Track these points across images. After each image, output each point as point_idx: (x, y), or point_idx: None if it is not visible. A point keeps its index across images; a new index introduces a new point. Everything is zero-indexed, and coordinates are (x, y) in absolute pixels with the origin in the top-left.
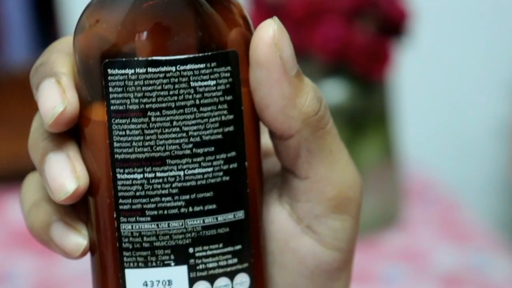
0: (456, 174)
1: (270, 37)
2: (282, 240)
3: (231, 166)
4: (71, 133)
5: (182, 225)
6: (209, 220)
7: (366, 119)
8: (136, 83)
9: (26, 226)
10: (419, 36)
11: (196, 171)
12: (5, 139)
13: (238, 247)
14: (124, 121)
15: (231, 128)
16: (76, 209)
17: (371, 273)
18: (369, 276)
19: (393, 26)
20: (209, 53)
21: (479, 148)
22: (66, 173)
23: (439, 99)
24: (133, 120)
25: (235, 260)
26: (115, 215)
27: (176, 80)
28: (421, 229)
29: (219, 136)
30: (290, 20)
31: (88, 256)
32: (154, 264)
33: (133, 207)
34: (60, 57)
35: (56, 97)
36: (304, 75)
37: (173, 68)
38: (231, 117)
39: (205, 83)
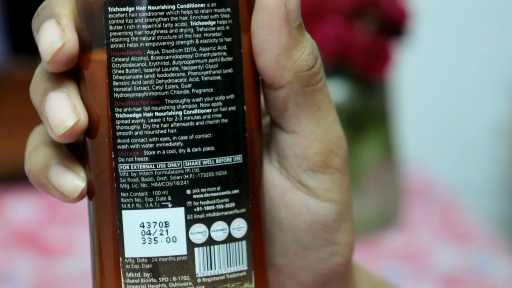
0: (456, 174)
1: None
2: (276, 197)
3: (229, 108)
4: (71, 75)
5: (180, 166)
6: (207, 162)
7: (366, 119)
8: (136, 21)
9: (25, 170)
10: (419, 36)
11: (195, 111)
12: (5, 139)
13: (236, 191)
14: (123, 59)
15: (230, 70)
16: (75, 154)
17: None
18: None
19: (393, 26)
20: None
21: (479, 148)
22: (66, 109)
23: (439, 99)
24: (132, 58)
25: (233, 204)
26: (113, 155)
27: (176, 19)
28: (421, 229)
29: (218, 78)
30: None
31: (88, 255)
32: (151, 205)
33: (131, 147)
34: (61, 1)
35: (55, 34)
36: (306, 31)
37: (173, 7)
38: (230, 59)
39: (205, 23)
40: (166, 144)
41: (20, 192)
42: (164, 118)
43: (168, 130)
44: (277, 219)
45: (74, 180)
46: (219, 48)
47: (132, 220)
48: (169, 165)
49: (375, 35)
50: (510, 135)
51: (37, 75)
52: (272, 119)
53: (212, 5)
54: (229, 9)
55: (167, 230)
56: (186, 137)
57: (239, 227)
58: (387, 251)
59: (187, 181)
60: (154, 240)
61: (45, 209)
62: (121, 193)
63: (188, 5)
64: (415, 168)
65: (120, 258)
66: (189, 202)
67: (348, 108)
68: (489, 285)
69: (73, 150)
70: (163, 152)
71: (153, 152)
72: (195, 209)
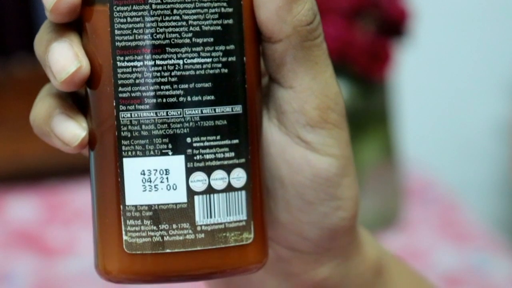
0: (456, 174)
1: None
2: (276, 154)
3: (229, 59)
4: (74, 27)
5: (180, 114)
6: (207, 110)
7: (366, 119)
8: None
9: (30, 120)
10: (419, 36)
11: (195, 60)
12: (5, 139)
13: (235, 141)
14: (125, 8)
15: (230, 21)
16: (78, 105)
17: None
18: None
19: (393, 26)
20: None
21: (479, 148)
22: (68, 56)
23: (439, 99)
24: (134, 7)
25: (232, 154)
26: (114, 103)
27: None
28: (421, 229)
29: (218, 28)
30: None
31: (88, 255)
32: (152, 153)
33: (133, 95)
34: None
35: None
36: None
37: None
38: (230, 10)
39: None
40: (167, 92)
41: (20, 192)
42: (165, 67)
43: (169, 78)
44: (279, 176)
45: (75, 129)
46: None
47: (133, 167)
48: (170, 113)
49: (375, 35)
50: (510, 135)
51: (42, 28)
52: (270, 74)
53: None
54: None
55: (167, 178)
56: (186, 86)
57: (239, 176)
58: None
59: (187, 129)
60: (155, 187)
61: (45, 209)
62: (122, 141)
63: None
64: (415, 168)
65: (121, 206)
66: (189, 150)
67: (348, 108)
68: (489, 285)
69: (78, 102)
70: (164, 100)
71: (154, 100)
72: (195, 157)
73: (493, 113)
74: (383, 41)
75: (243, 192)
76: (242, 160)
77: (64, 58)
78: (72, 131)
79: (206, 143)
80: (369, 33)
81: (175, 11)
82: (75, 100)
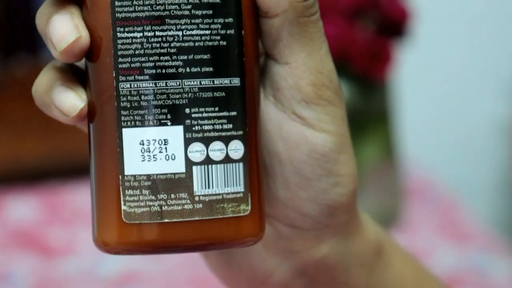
0: (456, 174)
1: None
2: (272, 131)
3: (228, 31)
4: (74, 1)
5: (179, 85)
6: (206, 82)
7: (366, 119)
8: None
9: (32, 91)
10: (420, 36)
11: (194, 32)
12: (5, 139)
13: (233, 113)
14: None
15: None
16: (79, 78)
17: None
18: None
19: (393, 26)
20: None
21: (479, 148)
22: (68, 27)
23: (439, 99)
24: None
25: (230, 125)
26: (114, 74)
27: None
28: (421, 229)
29: (217, 0)
30: None
31: (88, 255)
32: (151, 123)
33: (132, 65)
34: None
35: None
36: None
37: None
38: None
39: None
40: (166, 63)
41: (20, 192)
42: (164, 38)
43: (168, 49)
44: (276, 152)
45: (74, 99)
46: None
47: (132, 137)
48: (169, 83)
49: (375, 35)
50: (510, 135)
51: (43, 5)
52: (266, 51)
53: None
54: None
55: (166, 148)
56: (185, 57)
57: (236, 148)
58: None
59: (186, 100)
60: (154, 157)
61: (45, 209)
62: (122, 111)
63: None
64: (415, 168)
65: (120, 176)
66: (187, 121)
67: (348, 108)
68: (489, 285)
69: (79, 76)
70: (163, 71)
71: (153, 71)
72: (193, 128)
73: (493, 113)
74: (383, 41)
75: (241, 164)
76: (240, 132)
77: (64, 29)
78: (71, 101)
79: (205, 114)
80: (369, 33)
81: None
82: (77, 74)
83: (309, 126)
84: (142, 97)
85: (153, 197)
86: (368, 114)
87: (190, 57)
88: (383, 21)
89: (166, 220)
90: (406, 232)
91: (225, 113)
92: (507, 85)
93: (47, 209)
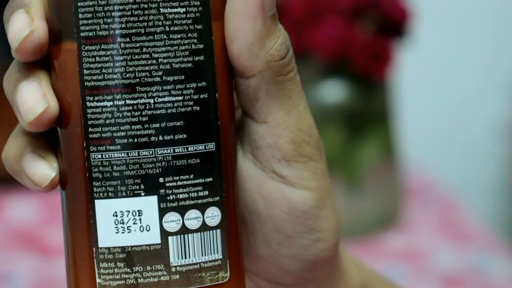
0: (456, 174)
1: None
2: (252, 189)
3: (201, 96)
4: (42, 65)
5: (152, 154)
6: (180, 150)
7: (366, 119)
8: (106, 8)
9: (1, 157)
10: (419, 36)
11: (166, 99)
12: (5, 139)
13: (209, 179)
14: (93, 47)
15: (201, 58)
16: (49, 144)
17: None
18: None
19: (393, 26)
20: None
21: (479, 148)
22: (36, 96)
23: (439, 99)
24: (102, 46)
25: (206, 192)
26: (84, 144)
27: (146, 6)
28: (421, 229)
29: (189, 65)
30: (290, 20)
31: None
32: (124, 194)
33: (103, 135)
34: None
35: (23, 23)
36: (279, 22)
37: None
38: (201, 46)
39: (175, 10)
40: (138, 132)
41: (20, 192)
42: (135, 106)
43: (140, 118)
44: (256, 210)
45: (45, 169)
46: (189, 35)
47: (105, 209)
48: (142, 153)
49: (375, 35)
50: (510, 135)
51: (10, 67)
52: (243, 109)
53: None
54: None
55: (140, 219)
56: (158, 125)
57: (213, 215)
58: (387, 251)
59: (160, 169)
60: (128, 229)
61: (45, 209)
62: (94, 182)
63: None
64: (415, 168)
65: (94, 248)
66: (162, 190)
67: (348, 108)
68: (489, 285)
69: (49, 140)
70: (135, 140)
71: (125, 140)
72: (168, 197)
73: (493, 113)
74: (383, 41)
75: (218, 231)
76: (217, 198)
77: (31, 99)
78: (42, 171)
79: (179, 183)
80: (369, 33)
81: (144, 49)
82: (48, 137)
83: (289, 184)
84: (114, 167)
85: (128, 270)
86: (368, 114)
87: (163, 124)
88: (383, 21)
89: None
90: (406, 232)
91: (201, 180)
92: (507, 85)
93: (47, 209)
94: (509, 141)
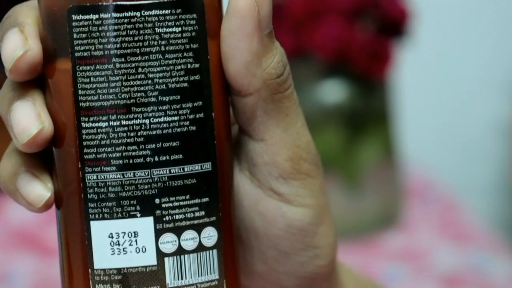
0: (456, 174)
1: None
2: (249, 206)
3: (197, 115)
4: (37, 84)
5: (148, 175)
6: (176, 170)
7: (366, 119)
8: (100, 28)
9: None
10: (419, 36)
11: (162, 119)
12: (5, 139)
13: (206, 199)
14: (88, 68)
15: (197, 77)
16: (44, 163)
17: (371, 273)
18: (369, 276)
19: (393, 26)
20: None
21: (479, 148)
22: (30, 117)
23: (439, 99)
24: (97, 67)
25: (203, 213)
26: (79, 165)
27: (141, 26)
28: (421, 229)
29: (185, 85)
30: (290, 20)
31: None
32: (119, 215)
33: (98, 156)
34: (25, 9)
35: (17, 43)
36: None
37: (138, 14)
38: (197, 65)
39: (171, 29)
40: (134, 153)
41: None
42: (131, 127)
43: (135, 138)
44: (253, 228)
45: (40, 190)
46: (185, 54)
47: (101, 230)
48: (137, 174)
49: (375, 35)
50: (510, 135)
51: (4, 86)
52: (241, 127)
53: (178, 11)
54: (195, 15)
55: (136, 240)
56: (153, 146)
57: (210, 235)
58: (387, 251)
59: (156, 190)
60: (124, 250)
61: None
62: (89, 203)
63: (153, 12)
64: (415, 168)
65: (89, 270)
66: (158, 211)
67: (348, 108)
68: (489, 285)
69: (44, 159)
70: (131, 161)
71: (121, 161)
72: (164, 218)
73: (493, 113)
74: (383, 41)
75: (215, 251)
76: (213, 219)
77: (26, 119)
78: (37, 192)
79: (175, 203)
80: (369, 33)
81: (140, 70)
82: (42, 155)
83: (287, 202)
84: (110, 188)
85: None
86: (368, 114)
87: (159, 145)
88: (383, 21)
89: None
90: (406, 232)
91: (197, 200)
92: (507, 85)
93: None
94: (509, 141)
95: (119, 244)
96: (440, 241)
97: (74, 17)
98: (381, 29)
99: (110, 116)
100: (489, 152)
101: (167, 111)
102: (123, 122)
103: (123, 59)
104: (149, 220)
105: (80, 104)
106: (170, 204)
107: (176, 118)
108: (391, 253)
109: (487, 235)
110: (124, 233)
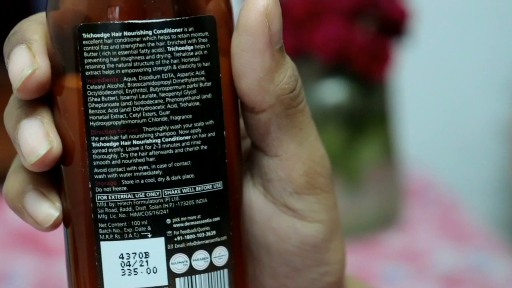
0: (456, 174)
1: (263, 5)
2: (262, 222)
3: (209, 134)
4: (45, 102)
5: (159, 195)
6: (187, 190)
7: (366, 119)
8: (111, 47)
9: (3, 193)
10: (419, 36)
11: (174, 139)
12: (5, 139)
13: (217, 219)
14: (99, 87)
15: (209, 96)
16: (52, 181)
17: (371, 273)
18: (369, 276)
19: (393, 26)
20: (186, 17)
21: (479, 148)
22: (38, 137)
23: (439, 99)
24: (108, 86)
25: (214, 232)
26: (90, 185)
27: (153, 44)
28: (421, 229)
29: (197, 104)
30: (290, 20)
31: None
32: (130, 236)
33: (109, 176)
34: (32, 25)
35: (25, 61)
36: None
37: (150, 32)
38: (208, 84)
39: (182, 48)
40: (145, 173)
41: None
42: (142, 147)
43: (147, 158)
44: (265, 243)
45: (48, 209)
46: (197, 73)
47: (111, 251)
48: (148, 194)
49: (375, 35)
50: (510, 135)
51: (11, 102)
52: (254, 143)
53: (190, 29)
54: (207, 33)
55: (147, 261)
56: (165, 165)
57: (221, 255)
58: (387, 251)
59: (167, 210)
60: (134, 271)
61: None
62: (99, 224)
63: (165, 30)
64: (415, 168)
65: None
66: (169, 232)
67: (348, 108)
68: (489, 285)
69: (53, 176)
70: (142, 181)
71: (132, 182)
72: (175, 239)
73: (493, 113)
74: (383, 41)
75: (225, 271)
76: (224, 238)
77: (34, 139)
78: (45, 211)
79: (187, 223)
80: (369, 33)
81: (151, 89)
82: (50, 173)
83: (301, 218)
84: (121, 209)
85: None
86: (368, 114)
87: (170, 165)
88: (383, 21)
89: None
90: (406, 232)
91: (208, 220)
92: (507, 85)
93: None
94: (509, 141)
95: (129, 265)
96: (440, 241)
97: (84, 35)
98: (381, 29)
99: (121, 136)
100: (489, 152)
101: (179, 131)
102: (134, 142)
103: (134, 78)
104: (160, 240)
105: (91, 123)
106: (182, 224)
107: (187, 137)
108: (391, 253)
109: (487, 235)
110: (135, 253)
